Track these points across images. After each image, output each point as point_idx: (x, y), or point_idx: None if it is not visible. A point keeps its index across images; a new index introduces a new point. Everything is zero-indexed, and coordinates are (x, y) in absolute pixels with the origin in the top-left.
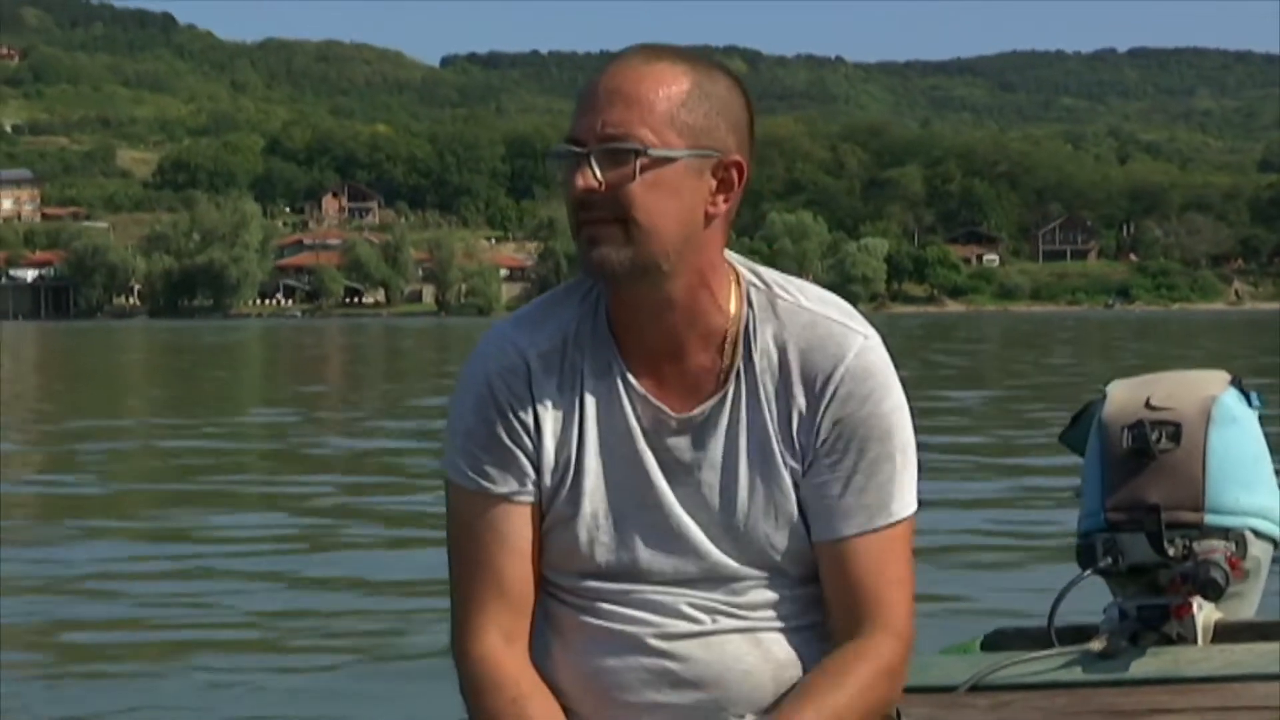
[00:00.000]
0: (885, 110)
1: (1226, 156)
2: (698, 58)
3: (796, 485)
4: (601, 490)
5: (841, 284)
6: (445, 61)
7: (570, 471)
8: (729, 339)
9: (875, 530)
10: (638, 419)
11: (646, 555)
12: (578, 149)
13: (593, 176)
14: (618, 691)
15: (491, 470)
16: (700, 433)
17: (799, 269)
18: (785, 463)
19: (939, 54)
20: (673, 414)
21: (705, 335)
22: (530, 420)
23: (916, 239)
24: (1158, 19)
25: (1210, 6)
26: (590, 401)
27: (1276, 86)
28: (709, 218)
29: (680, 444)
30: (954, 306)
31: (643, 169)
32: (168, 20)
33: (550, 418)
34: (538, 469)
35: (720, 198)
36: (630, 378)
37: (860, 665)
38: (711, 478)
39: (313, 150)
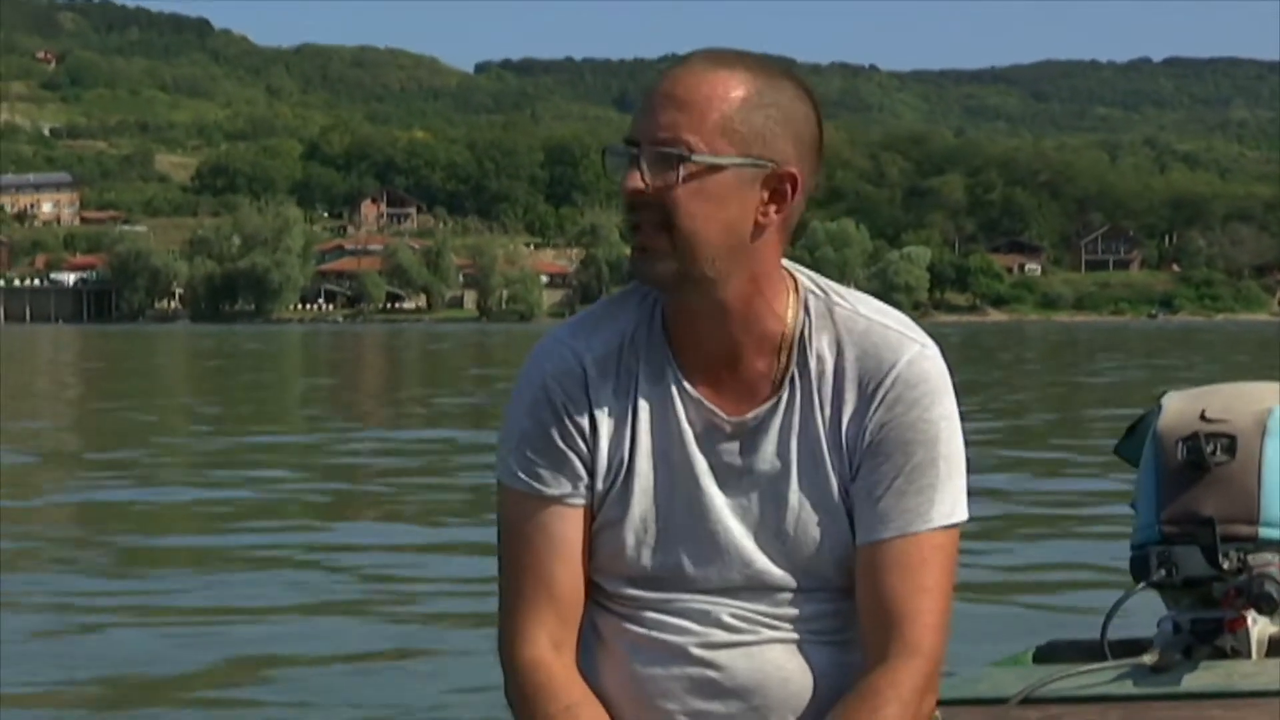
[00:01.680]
0: (919, 119)
1: (1264, 167)
2: (765, 64)
3: (845, 491)
4: (651, 494)
5: (884, 292)
6: (479, 68)
7: (621, 475)
8: (784, 345)
9: (913, 534)
10: (690, 424)
11: (692, 560)
12: (631, 148)
13: (640, 178)
14: (660, 699)
15: (544, 473)
16: (753, 437)
17: (841, 277)
18: (834, 468)
19: (973, 63)
20: (727, 418)
21: (760, 341)
22: (586, 424)
23: (957, 248)
24: (1193, 29)
25: (1246, 16)
26: (644, 406)
27: None
28: (759, 227)
29: (732, 448)
30: (996, 316)
31: (687, 176)
32: (203, 25)
33: (605, 422)
34: (591, 473)
35: (772, 208)
36: (685, 382)
37: (887, 705)
38: (762, 482)
39: (351, 156)
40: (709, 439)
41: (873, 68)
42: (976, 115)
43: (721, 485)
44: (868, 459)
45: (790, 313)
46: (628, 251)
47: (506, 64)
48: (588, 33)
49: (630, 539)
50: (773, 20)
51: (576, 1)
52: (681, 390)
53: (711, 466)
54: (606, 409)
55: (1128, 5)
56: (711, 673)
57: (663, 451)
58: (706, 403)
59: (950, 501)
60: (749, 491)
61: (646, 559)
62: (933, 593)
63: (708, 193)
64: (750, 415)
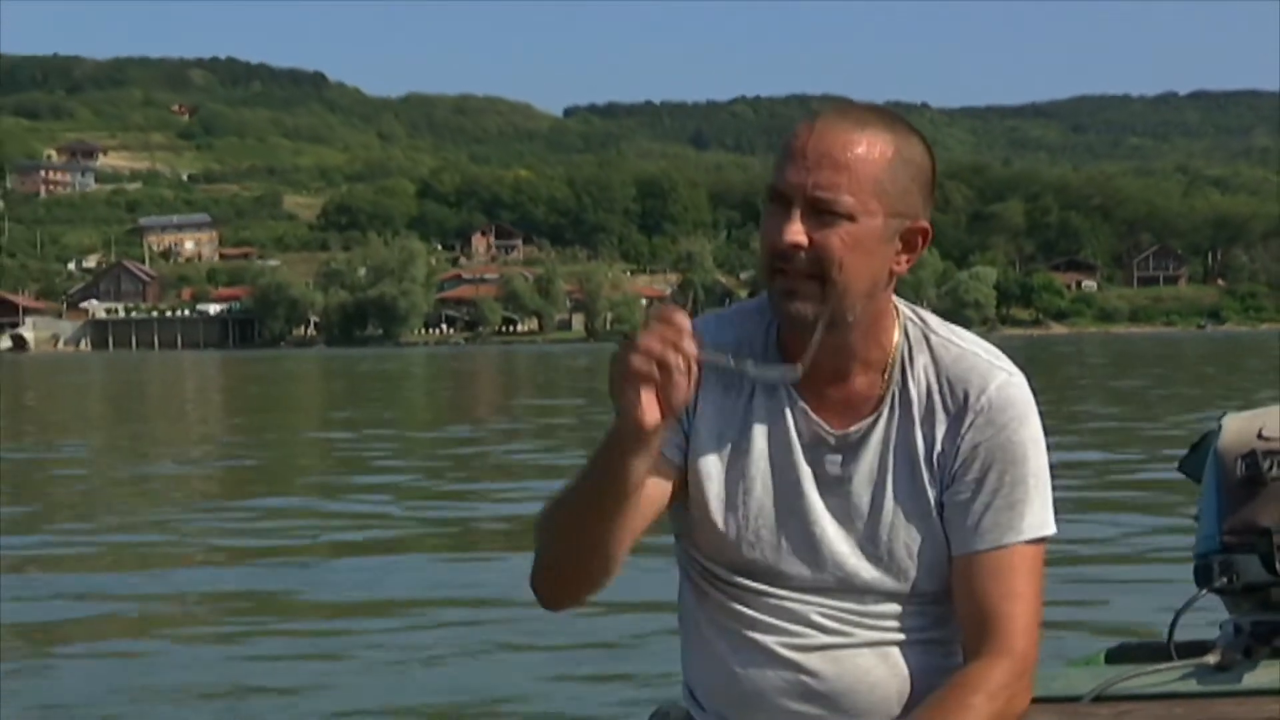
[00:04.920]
0: (968, 151)
1: None
2: (898, 122)
3: (939, 503)
4: (757, 493)
5: (955, 309)
6: (568, 112)
7: (730, 471)
8: (887, 366)
9: (1005, 547)
10: (798, 433)
11: (790, 559)
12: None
13: (802, 232)
14: (754, 698)
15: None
16: (854, 450)
17: (915, 295)
18: (928, 480)
19: (1015, 99)
20: (831, 431)
21: (867, 363)
22: (692, 401)
23: (1018, 267)
24: (1216, 63)
25: (1266, 50)
26: (755, 410)
27: None
28: (892, 275)
29: (835, 459)
30: (1058, 329)
31: (845, 233)
32: (319, 78)
33: (710, 410)
34: (682, 447)
35: (904, 257)
36: (795, 394)
37: (974, 695)
38: (861, 491)
39: (461, 193)
40: (814, 449)
41: (924, 105)
42: (1020, 147)
43: (822, 492)
44: (960, 475)
45: (894, 338)
46: (721, 277)
47: (593, 108)
48: (665, 77)
49: (733, 531)
50: (831, 64)
51: (654, 49)
52: (792, 402)
53: (814, 474)
54: (713, 398)
55: (1156, 42)
56: (802, 676)
57: (770, 455)
58: (814, 415)
59: (1039, 516)
60: (847, 499)
61: (747, 552)
62: (1024, 598)
63: (860, 248)
64: (853, 429)
